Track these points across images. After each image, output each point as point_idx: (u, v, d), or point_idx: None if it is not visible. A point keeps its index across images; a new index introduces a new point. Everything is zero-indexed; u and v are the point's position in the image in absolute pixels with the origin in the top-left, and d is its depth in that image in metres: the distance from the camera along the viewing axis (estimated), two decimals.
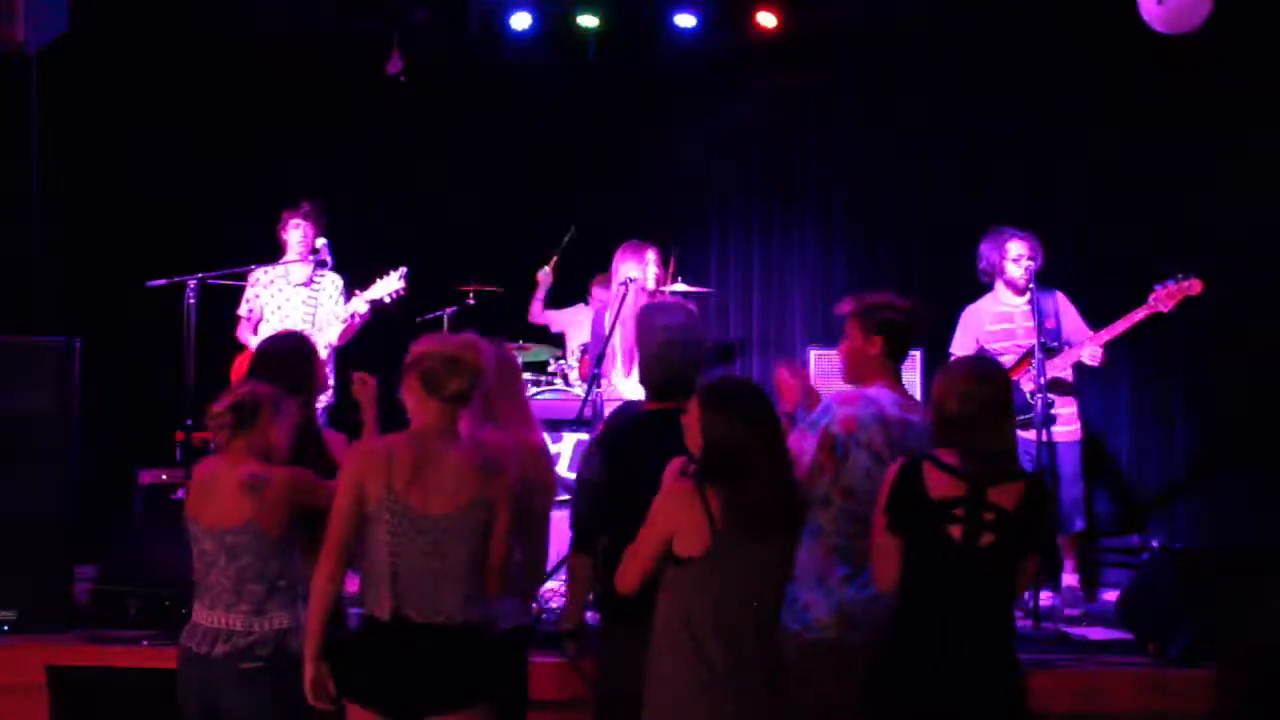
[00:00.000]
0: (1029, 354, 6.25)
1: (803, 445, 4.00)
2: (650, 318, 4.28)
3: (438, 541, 3.68)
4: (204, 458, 4.24)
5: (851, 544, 3.97)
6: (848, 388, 4.22)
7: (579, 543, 4.19)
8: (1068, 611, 6.28)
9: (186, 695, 3.97)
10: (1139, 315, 6.23)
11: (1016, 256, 6.39)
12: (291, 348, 4.59)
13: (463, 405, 3.81)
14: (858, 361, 4.18)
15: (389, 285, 6.78)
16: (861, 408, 4.04)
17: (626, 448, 4.10)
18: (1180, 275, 6.18)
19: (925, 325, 4.30)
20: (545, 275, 7.99)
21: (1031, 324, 6.21)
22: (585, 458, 4.33)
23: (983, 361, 4.16)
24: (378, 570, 3.71)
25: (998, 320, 6.48)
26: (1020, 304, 6.40)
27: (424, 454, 3.72)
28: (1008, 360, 6.38)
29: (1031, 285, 6.23)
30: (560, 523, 6.44)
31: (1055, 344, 6.31)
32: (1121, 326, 6.26)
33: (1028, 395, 6.19)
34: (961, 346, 6.61)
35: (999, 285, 6.50)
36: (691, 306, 4.51)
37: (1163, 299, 6.19)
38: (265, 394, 4.05)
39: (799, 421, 4.16)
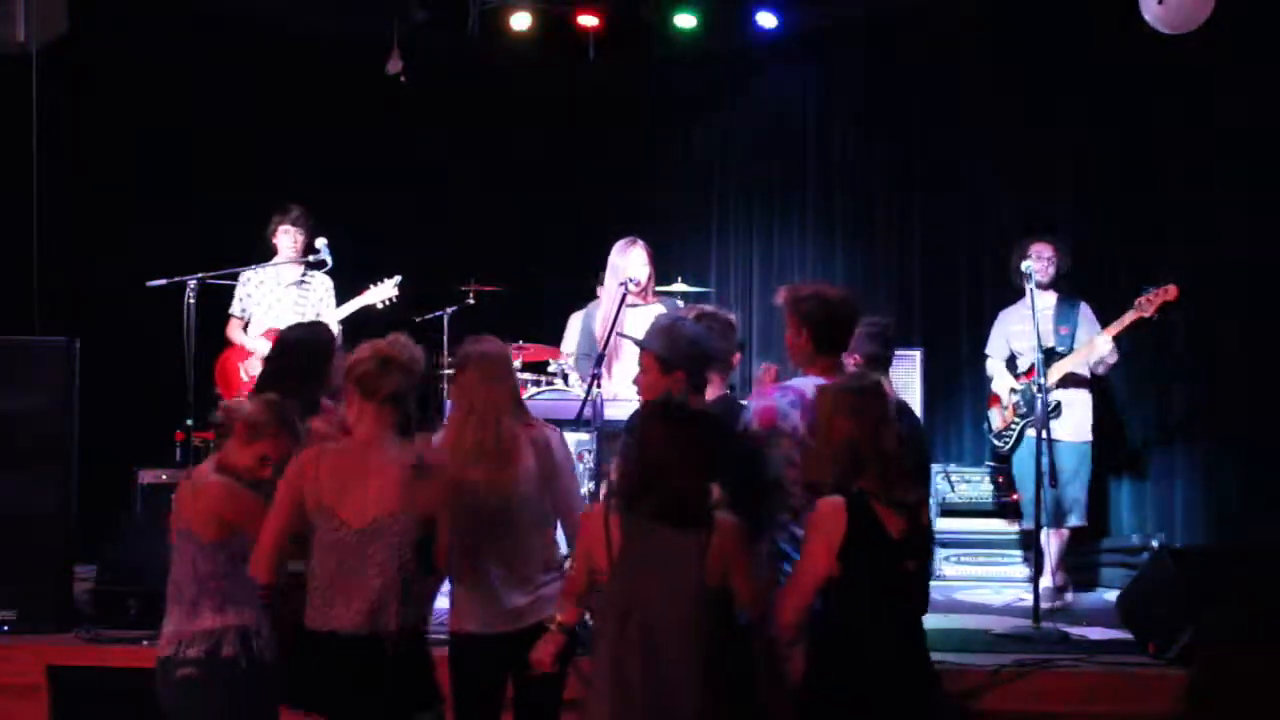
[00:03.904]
0: (1037, 364, 6.40)
1: None
2: (683, 322, 4.40)
3: (364, 549, 3.75)
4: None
5: (789, 534, 4.01)
6: None
7: None
8: (1043, 605, 6.31)
9: (164, 704, 4.01)
10: (1128, 319, 6.47)
11: (1035, 256, 6.62)
12: (311, 338, 4.74)
13: (397, 407, 3.86)
14: (795, 353, 4.28)
15: (383, 292, 6.95)
16: (779, 398, 4.13)
17: None
18: (1157, 285, 6.40)
19: (858, 316, 4.35)
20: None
21: (1049, 328, 6.52)
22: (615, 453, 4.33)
23: (859, 380, 3.99)
24: (320, 582, 3.79)
25: (1022, 322, 6.59)
26: (1040, 308, 6.52)
27: (352, 462, 3.80)
28: (1024, 363, 6.70)
29: (1031, 287, 6.31)
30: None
31: (1064, 349, 6.58)
32: (1113, 330, 6.50)
33: (1035, 397, 6.37)
34: (994, 348, 7.01)
35: (1027, 289, 6.53)
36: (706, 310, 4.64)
37: (1145, 305, 6.41)
38: (248, 414, 4.04)
39: None
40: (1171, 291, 6.38)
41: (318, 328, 5.10)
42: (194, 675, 3.88)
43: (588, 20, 8.25)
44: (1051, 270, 6.70)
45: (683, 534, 3.63)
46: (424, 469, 3.82)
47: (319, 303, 7.01)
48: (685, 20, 8.22)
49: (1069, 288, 6.82)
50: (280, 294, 7.02)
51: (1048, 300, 6.71)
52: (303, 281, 7.04)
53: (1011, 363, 6.90)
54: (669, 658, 3.59)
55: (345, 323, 6.88)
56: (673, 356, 4.23)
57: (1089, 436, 6.69)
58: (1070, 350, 6.60)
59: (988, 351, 7.05)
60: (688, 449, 3.65)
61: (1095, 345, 6.53)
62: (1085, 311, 6.73)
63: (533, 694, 4.16)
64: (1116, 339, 6.51)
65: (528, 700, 4.19)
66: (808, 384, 4.15)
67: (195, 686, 3.88)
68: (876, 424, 3.71)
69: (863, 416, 3.70)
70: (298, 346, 4.71)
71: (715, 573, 3.64)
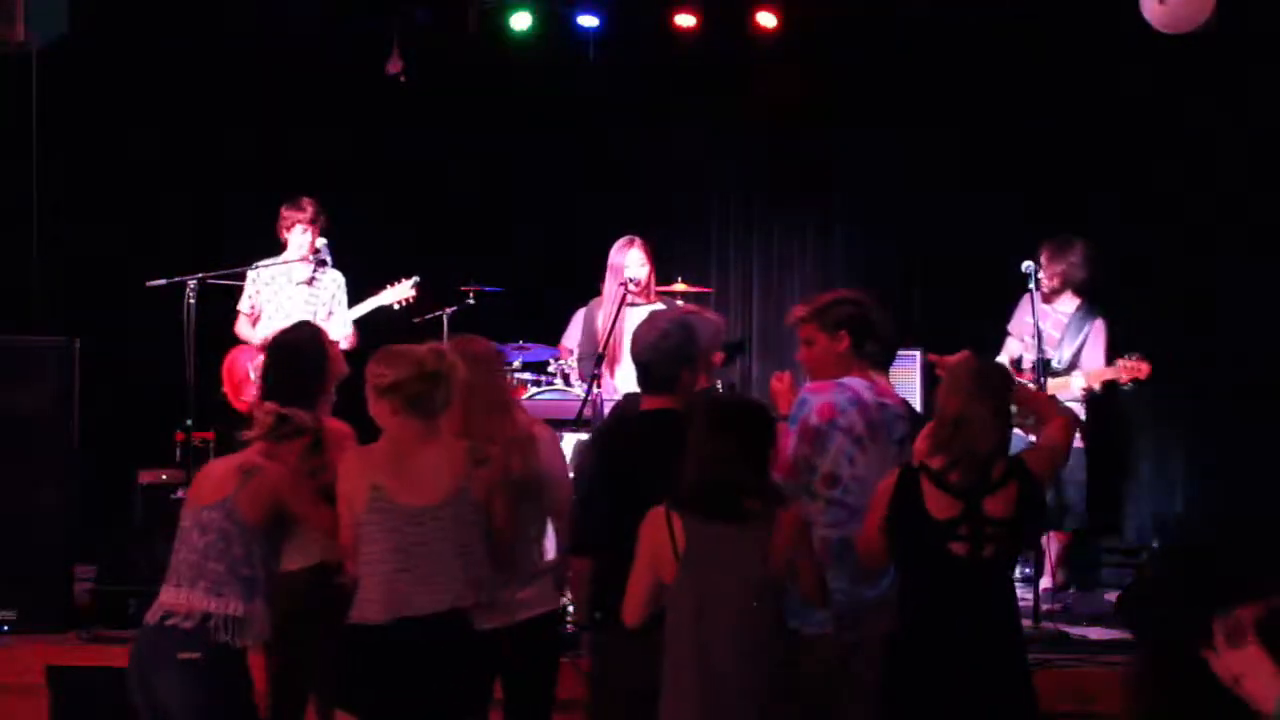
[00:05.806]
0: (1035, 365, 6.33)
1: (786, 443, 4.06)
2: (650, 319, 4.32)
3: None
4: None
5: (842, 536, 3.99)
6: None
7: (575, 545, 4.16)
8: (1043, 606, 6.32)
9: (131, 668, 3.94)
10: (1106, 375, 6.37)
11: (1041, 266, 6.47)
12: (307, 339, 4.58)
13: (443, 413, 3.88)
14: (825, 362, 4.23)
15: (400, 292, 6.85)
16: (836, 394, 4.11)
17: (625, 448, 4.09)
18: (1136, 355, 6.28)
19: (881, 315, 4.32)
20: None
21: (1057, 335, 6.42)
22: (581, 456, 4.31)
23: (987, 363, 4.08)
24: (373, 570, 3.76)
25: (1038, 316, 6.40)
26: (1054, 311, 6.50)
27: (405, 452, 3.80)
28: (1024, 360, 6.52)
29: (1032, 287, 6.25)
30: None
31: (1061, 367, 6.43)
32: (1093, 380, 6.39)
33: None
34: (1014, 326, 6.73)
35: (1030, 290, 6.48)
36: (690, 310, 4.58)
37: (1120, 372, 6.32)
38: (311, 429, 4.08)
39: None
40: (1144, 370, 6.27)
41: (303, 328, 4.88)
42: (199, 665, 3.81)
43: (588, 20, 8.26)
44: (1046, 285, 6.47)
45: (744, 528, 3.61)
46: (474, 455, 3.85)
47: (331, 300, 6.87)
48: (685, 20, 8.22)
49: (1089, 296, 6.62)
50: (291, 292, 6.83)
51: (1066, 307, 6.58)
52: (314, 279, 6.86)
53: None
54: (734, 650, 3.59)
55: (358, 323, 6.83)
56: (643, 360, 4.19)
57: (1082, 443, 6.58)
58: (1065, 371, 6.44)
59: (1010, 330, 6.75)
60: (736, 440, 3.64)
61: (1070, 384, 6.37)
62: (1096, 330, 6.53)
63: (523, 693, 4.17)
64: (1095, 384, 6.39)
65: (518, 699, 4.19)
66: (859, 384, 4.14)
67: (201, 678, 3.81)
68: (976, 407, 3.69)
69: (966, 396, 3.71)
70: (294, 352, 4.51)
71: (780, 565, 3.63)
